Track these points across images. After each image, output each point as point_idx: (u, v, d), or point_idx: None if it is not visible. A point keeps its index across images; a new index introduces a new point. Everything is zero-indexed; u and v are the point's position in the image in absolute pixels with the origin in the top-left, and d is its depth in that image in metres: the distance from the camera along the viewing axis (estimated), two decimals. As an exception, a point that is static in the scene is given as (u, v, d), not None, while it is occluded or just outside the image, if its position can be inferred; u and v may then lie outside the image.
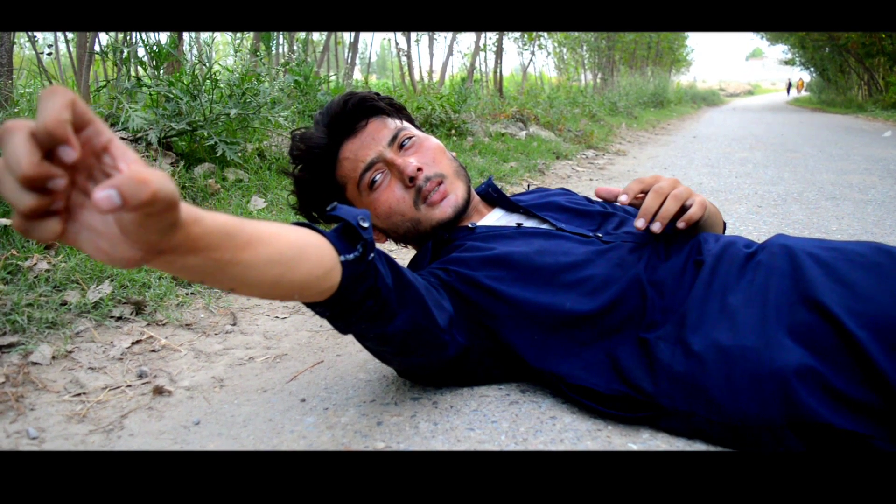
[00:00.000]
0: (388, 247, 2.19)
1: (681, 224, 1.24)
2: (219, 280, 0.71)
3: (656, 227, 1.22)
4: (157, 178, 0.53)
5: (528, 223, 1.43)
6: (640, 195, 1.26)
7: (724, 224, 1.50)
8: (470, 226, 1.41)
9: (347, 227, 0.94)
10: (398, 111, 1.49)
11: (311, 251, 0.83)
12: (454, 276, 1.24)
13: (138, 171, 0.52)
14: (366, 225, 0.93)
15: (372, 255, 0.93)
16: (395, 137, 1.41)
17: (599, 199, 1.32)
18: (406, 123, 1.47)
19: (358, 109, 1.43)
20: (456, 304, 1.22)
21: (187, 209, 0.61)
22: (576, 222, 1.43)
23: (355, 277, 0.91)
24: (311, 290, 0.86)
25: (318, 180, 1.46)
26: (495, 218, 1.47)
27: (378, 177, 1.39)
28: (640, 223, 1.22)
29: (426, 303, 1.08)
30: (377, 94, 1.47)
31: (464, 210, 1.41)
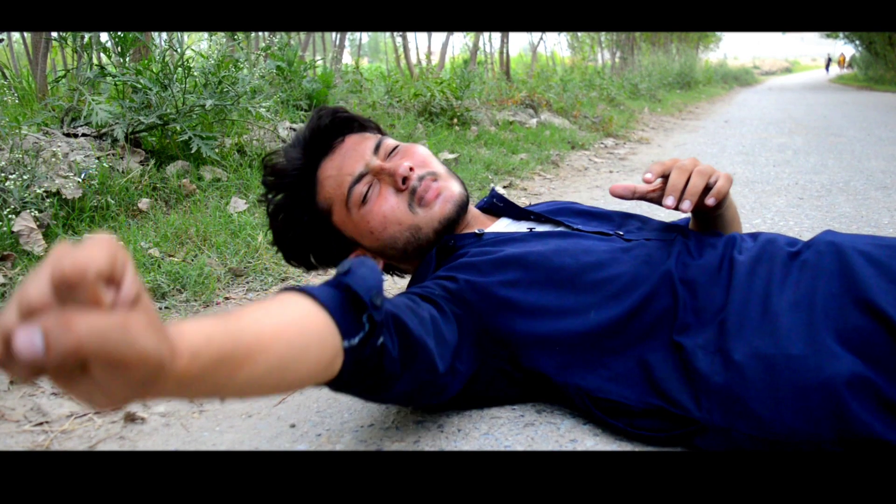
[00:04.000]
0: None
1: (710, 200, 1.26)
2: (210, 397, 0.71)
3: (686, 205, 1.24)
4: (96, 327, 0.49)
5: (541, 228, 1.43)
6: (660, 184, 1.30)
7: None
8: (477, 231, 1.41)
9: (353, 295, 0.90)
10: (375, 128, 1.53)
11: (313, 348, 0.81)
12: (463, 284, 1.24)
13: (66, 316, 0.49)
14: (379, 303, 0.90)
15: (381, 339, 0.91)
16: (378, 146, 1.42)
17: (616, 198, 1.33)
18: (386, 136, 1.49)
19: (333, 124, 1.44)
20: (465, 318, 1.21)
21: (180, 338, 0.60)
22: (593, 223, 1.44)
23: (359, 363, 0.89)
24: (311, 384, 0.87)
25: (297, 209, 1.46)
26: (503, 225, 1.48)
27: (368, 189, 1.39)
28: (669, 201, 1.25)
29: (432, 357, 1.06)
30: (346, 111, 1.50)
31: (464, 207, 1.43)
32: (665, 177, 1.29)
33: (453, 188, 1.42)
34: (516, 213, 1.50)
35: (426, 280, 1.30)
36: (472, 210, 1.51)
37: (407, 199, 1.38)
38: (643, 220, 1.44)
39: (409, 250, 1.42)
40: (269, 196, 1.48)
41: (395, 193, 1.39)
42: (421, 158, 1.42)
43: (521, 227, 1.46)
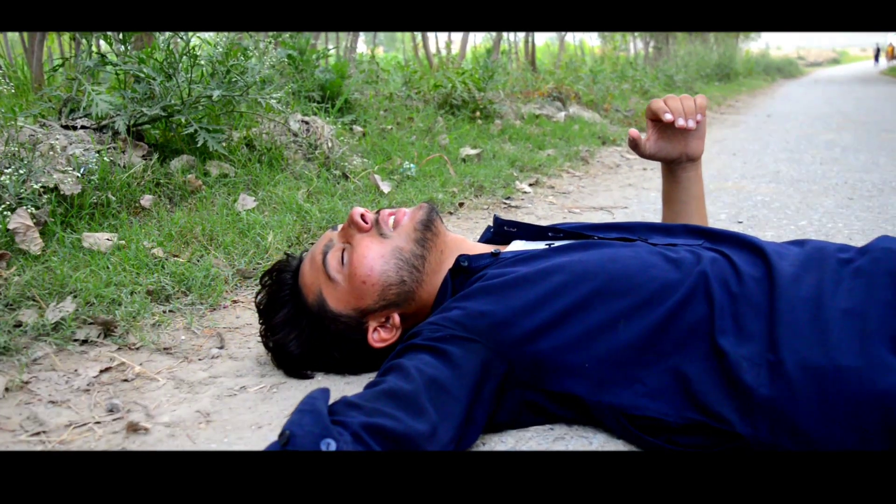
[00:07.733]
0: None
1: (698, 116, 1.57)
2: None
3: (691, 122, 1.55)
4: None
5: (560, 243, 1.44)
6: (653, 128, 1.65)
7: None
8: (493, 252, 1.42)
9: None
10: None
11: None
12: (476, 315, 1.23)
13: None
14: (332, 447, 0.94)
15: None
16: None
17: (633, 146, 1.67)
18: None
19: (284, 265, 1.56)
20: (480, 348, 1.20)
21: None
22: (614, 234, 1.44)
23: None
24: None
25: (295, 319, 1.49)
26: (519, 245, 1.49)
27: (342, 254, 1.43)
28: (680, 121, 1.55)
29: (425, 434, 1.07)
30: None
31: (437, 212, 1.47)
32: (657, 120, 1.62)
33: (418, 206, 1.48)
34: (530, 233, 1.53)
35: (440, 310, 1.31)
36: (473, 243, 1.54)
37: (375, 232, 1.43)
38: (668, 228, 1.45)
39: (411, 281, 1.42)
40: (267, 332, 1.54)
41: (366, 236, 1.42)
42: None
43: (539, 244, 1.47)
